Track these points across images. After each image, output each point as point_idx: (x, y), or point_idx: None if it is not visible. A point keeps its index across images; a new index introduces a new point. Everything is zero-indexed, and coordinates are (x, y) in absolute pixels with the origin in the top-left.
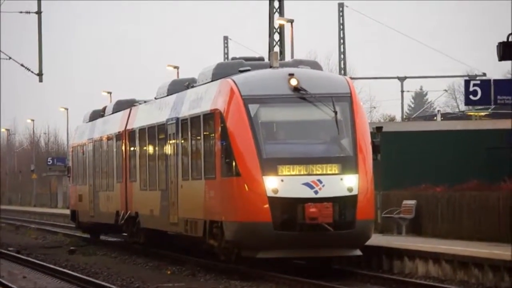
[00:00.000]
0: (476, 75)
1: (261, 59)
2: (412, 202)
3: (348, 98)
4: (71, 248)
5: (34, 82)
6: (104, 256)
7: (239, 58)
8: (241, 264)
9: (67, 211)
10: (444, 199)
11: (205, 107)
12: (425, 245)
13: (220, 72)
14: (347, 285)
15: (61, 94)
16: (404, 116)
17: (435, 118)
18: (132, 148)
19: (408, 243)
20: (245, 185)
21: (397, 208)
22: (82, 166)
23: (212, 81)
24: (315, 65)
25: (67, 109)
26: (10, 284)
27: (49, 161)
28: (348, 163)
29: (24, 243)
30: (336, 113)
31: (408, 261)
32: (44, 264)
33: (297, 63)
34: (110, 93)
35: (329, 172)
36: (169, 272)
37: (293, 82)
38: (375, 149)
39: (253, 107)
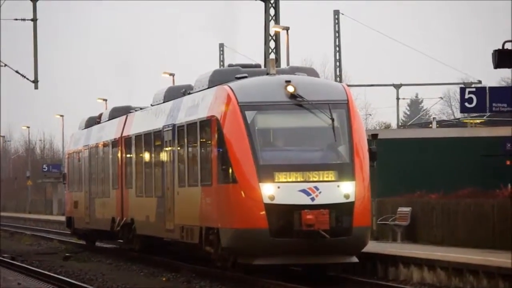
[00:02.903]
0: (472, 83)
1: (258, 66)
2: (407, 209)
3: (345, 105)
4: (66, 254)
5: (29, 89)
6: (98, 262)
7: (236, 65)
8: (237, 271)
9: (62, 218)
10: (439, 206)
11: (201, 114)
12: (420, 252)
13: (217, 79)
14: None
15: (57, 101)
16: (400, 123)
17: (430, 125)
18: (128, 155)
19: (403, 250)
20: (242, 192)
21: (392, 215)
22: (77, 173)
23: (208, 88)
24: (312, 72)
25: (62, 116)
26: None
27: (45, 168)
28: (345, 170)
29: (19, 249)
30: (333, 120)
31: (403, 268)
32: (39, 270)
33: (293, 70)
34: (105, 100)
35: (325, 179)
36: (164, 279)
37: (290, 89)
38: (372, 156)
39: (249, 114)
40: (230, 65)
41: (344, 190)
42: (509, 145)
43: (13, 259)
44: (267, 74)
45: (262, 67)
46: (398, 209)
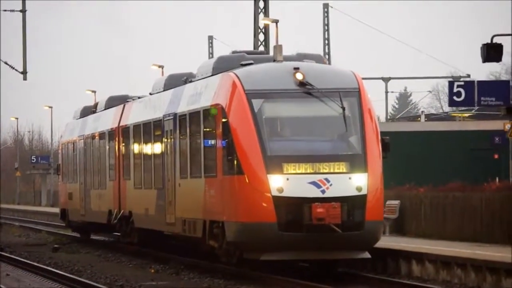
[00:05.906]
0: (460, 76)
1: (263, 52)
2: (396, 202)
3: (356, 93)
4: (55, 246)
5: (18, 80)
6: (87, 254)
7: (241, 52)
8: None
9: (51, 209)
10: (427, 200)
11: (205, 102)
12: (408, 245)
13: (221, 66)
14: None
15: (46, 93)
16: (388, 117)
17: (419, 119)
18: (126, 145)
19: (391, 243)
20: (249, 184)
21: None
22: (72, 164)
23: (212, 75)
24: (319, 59)
25: (51, 107)
26: None
27: (33, 159)
28: (356, 162)
29: (7, 240)
30: (344, 109)
31: (391, 261)
32: (28, 261)
33: (301, 57)
34: (94, 92)
35: (336, 170)
36: (152, 271)
37: (299, 76)
38: (385, 146)
39: (256, 102)
40: (234, 52)
41: (356, 182)
42: (497, 139)
43: (2, 250)
44: (274, 61)
45: None
46: (387, 202)
